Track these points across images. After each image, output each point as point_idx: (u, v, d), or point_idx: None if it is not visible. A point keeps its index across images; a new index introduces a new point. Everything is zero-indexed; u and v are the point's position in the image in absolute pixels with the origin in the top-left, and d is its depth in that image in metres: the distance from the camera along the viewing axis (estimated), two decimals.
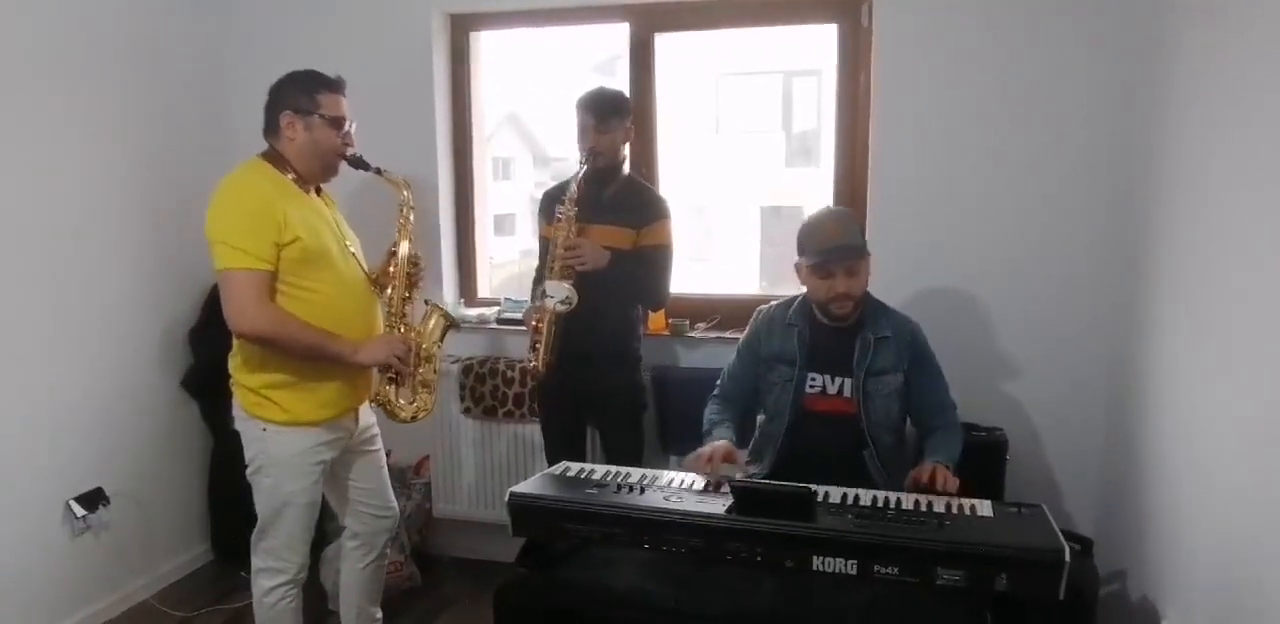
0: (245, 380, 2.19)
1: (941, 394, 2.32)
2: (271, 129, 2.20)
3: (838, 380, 2.26)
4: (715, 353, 2.84)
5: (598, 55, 6.38)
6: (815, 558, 1.74)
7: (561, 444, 2.75)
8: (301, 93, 2.17)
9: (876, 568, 1.71)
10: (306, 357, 2.14)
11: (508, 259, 6.44)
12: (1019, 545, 1.70)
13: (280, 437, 2.18)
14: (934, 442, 2.23)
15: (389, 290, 2.32)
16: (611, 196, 2.62)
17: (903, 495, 1.99)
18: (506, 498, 1.97)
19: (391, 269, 2.32)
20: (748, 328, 2.43)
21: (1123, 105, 2.56)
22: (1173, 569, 2.07)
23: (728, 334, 2.91)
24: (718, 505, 1.87)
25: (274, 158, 2.19)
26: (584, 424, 2.81)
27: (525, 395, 3.01)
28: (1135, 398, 2.43)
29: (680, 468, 2.33)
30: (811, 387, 2.28)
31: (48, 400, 2.70)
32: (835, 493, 1.96)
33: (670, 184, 3.12)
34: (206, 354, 3.03)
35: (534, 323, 2.55)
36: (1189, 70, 2.14)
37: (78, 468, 2.80)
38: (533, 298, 2.77)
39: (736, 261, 8.94)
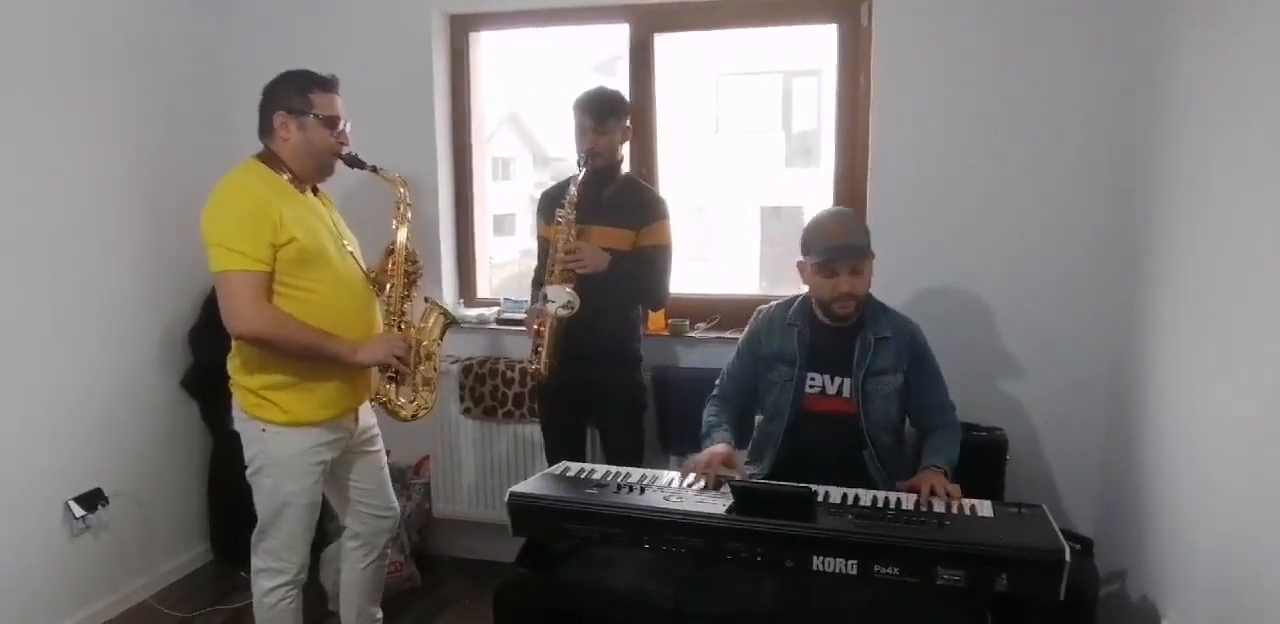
0: (244, 381, 2.19)
1: (941, 395, 2.32)
2: (266, 130, 2.19)
3: (837, 380, 2.26)
4: (715, 353, 2.83)
5: (598, 55, 6.39)
6: (815, 558, 1.74)
7: (562, 444, 2.75)
8: (294, 93, 2.16)
9: (877, 568, 1.71)
10: (305, 357, 2.14)
11: (507, 259, 6.45)
12: (1019, 546, 1.70)
13: (280, 437, 2.18)
14: (933, 442, 2.23)
15: (387, 288, 2.31)
16: (611, 197, 2.62)
17: (903, 496, 1.99)
18: (506, 498, 1.97)
19: (389, 266, 2.32)
20: (747, 328, 2.43)
21: (1123, 105, 2.56)
22: (1173, 569, 2.07)
23: (727, 334, 2.91)
24: (718, 505, 1.87)
25: (269, 158, 2.19)
26: (584, 424, 2.81)
27: (525, 395, 3.01)
28: (1135, 398, 2.43)
29: (680, 469, 2.32)
30: (811, 387, 2.27)
31: (47, 400, 2.70)
32: (835, 493, 1.96)
33: (670, 184, 3.12)
34: (206, 354, 3.02)
35: (536, 327, 2.55)
36: (1189, 70, 2.14)
37: (77, 468, 2.80)
38: (532, 299, 2.77)
39: (736, 262, 8.95)
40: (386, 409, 2.31)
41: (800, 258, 2.27)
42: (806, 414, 2.27)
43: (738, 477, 2.20)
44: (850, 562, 1.72)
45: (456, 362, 3.10)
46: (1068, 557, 1.64)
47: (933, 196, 2.77)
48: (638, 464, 2.41)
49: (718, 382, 2.44)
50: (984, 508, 1.91)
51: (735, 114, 9.84)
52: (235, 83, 3.18)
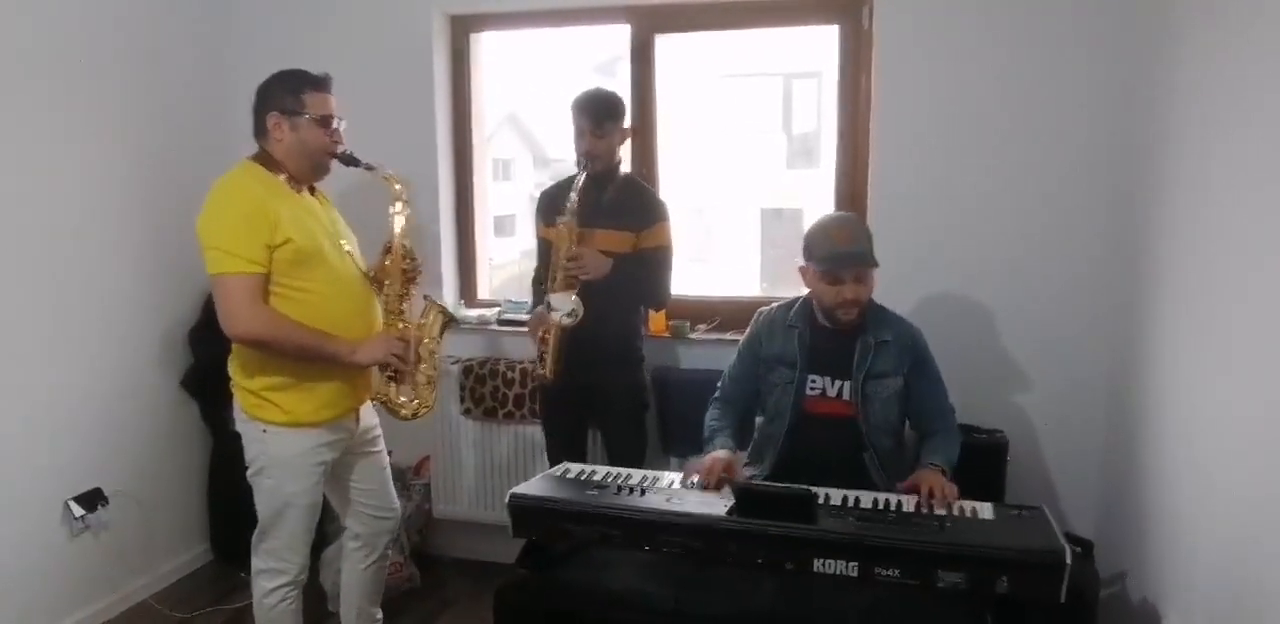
0: (245, 382, 2.19)
1: (941, 398, 2.32)
2: (260, 131, 2.19)
3: (838, 383, 2.26)
4: (715, 354, 2.83)
5: (598, 56, 6.38)
6: (816, 560, 1.74)
7: (563, 445, 2.74)
8: (287, 93, 2.15)
9: (877, 570, 1.71)
10: (303, 357, 2.14)
11: (508, 260, 6.43)
12: (1020, 548, 1.70)
13: (281, 438, 2.18)
14: (932, 444, 2.23)
15: (385, 285, 2.31)
16: (611, 199, 2.62)
17: (904, 498, 1.99)
18: (507, 499, 1.97)
19: (387, 263, 2.31)
20: (748, 329, 2.43)
21: (1123, 105, 2.56)
22: (1173, 570, 2.07)
23: (728, 336, 2.91)
24: (719, 507, 1.87)
25: (265, 159, 2.18)
26: (586, 425, 2.81)
27: (525, 396, 3.01)
28: (1135, 398, 2.42)
29: (681, 472, 2.32)
30: (812, 389, 2.27)
31: (47, 400, 2.70)
32: (836, 495, 1.96)
33: (670, 185, 3.12)
34: (206, 354, 3.02)
35: (541, 335, 2.55)
36: (1189, 70, 2.14)
37: (77, 468, 2.79)
38: (533, 298, 2.77)
39: (737, 263, 8.95)
40: (386, 408, 2.31)
41: (801, 261, 2.27)
42: (807, 416, 2.26)
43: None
44: (851, 563, 1.72)
45: (457, 362, 3.10)
46: (1069, 559, 1.64)
47: (933, 197, 2.77)
48: (639, 465, 2.41)
49: (719, 384, 2.44)
50: (985, 510, 1.91)
51: (736, 116, 9.84)
52: (235, 83, 3.16)
